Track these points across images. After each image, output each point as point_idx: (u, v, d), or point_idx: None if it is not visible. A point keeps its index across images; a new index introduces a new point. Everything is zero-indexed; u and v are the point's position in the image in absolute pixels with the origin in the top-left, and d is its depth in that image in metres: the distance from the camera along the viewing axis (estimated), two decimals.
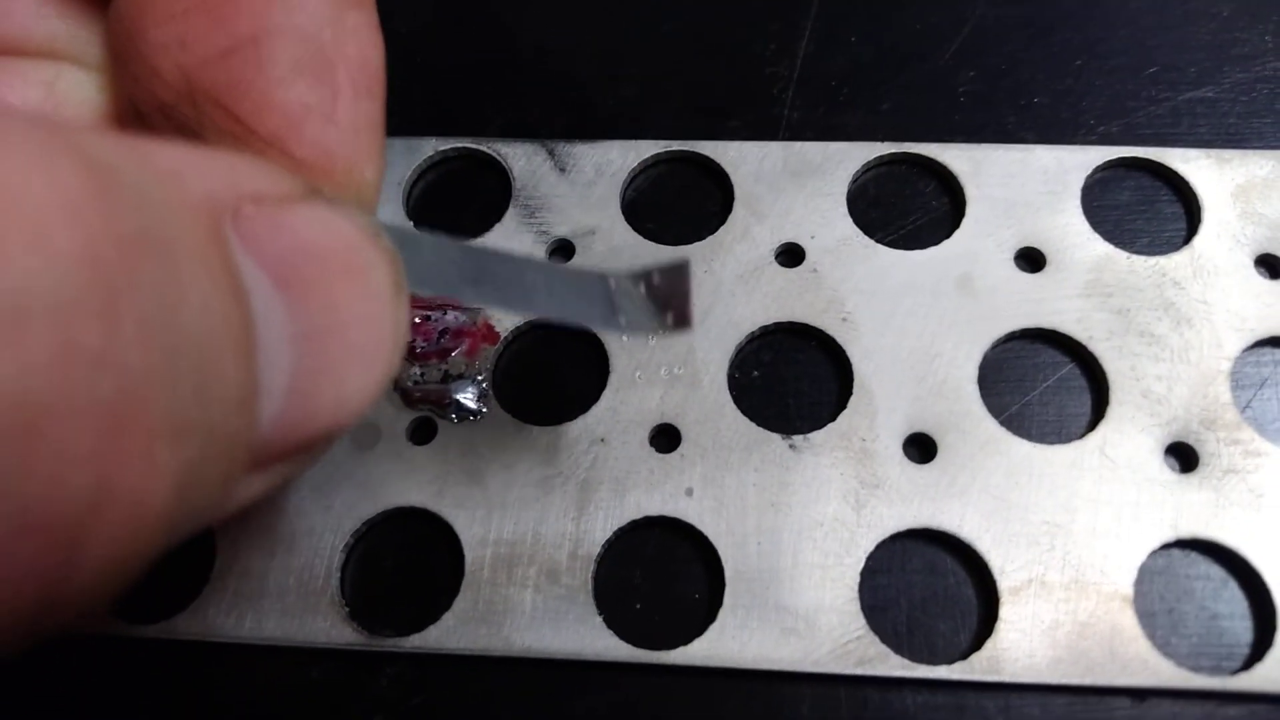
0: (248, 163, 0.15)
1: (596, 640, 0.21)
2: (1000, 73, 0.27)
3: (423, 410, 0.23)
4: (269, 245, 0.14)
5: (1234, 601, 0.21)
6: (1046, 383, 0.23)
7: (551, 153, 0.26)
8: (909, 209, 0.25)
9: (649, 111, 0.27)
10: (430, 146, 0.26)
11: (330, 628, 0.21)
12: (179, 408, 0.12)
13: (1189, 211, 0.25)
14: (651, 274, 0.20)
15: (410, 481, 0.23)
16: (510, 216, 0.25)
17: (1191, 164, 0.25)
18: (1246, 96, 0.26)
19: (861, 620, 0.21)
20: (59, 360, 0.10)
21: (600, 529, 0.22)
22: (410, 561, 0.22)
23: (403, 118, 0.26)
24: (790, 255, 0.25)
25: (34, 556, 0.10)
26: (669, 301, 0.19)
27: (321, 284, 0.14)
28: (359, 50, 0.17)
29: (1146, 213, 0.25)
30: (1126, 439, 0.22)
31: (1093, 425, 0.23)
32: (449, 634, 0.21)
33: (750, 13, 0.28)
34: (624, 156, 0.26)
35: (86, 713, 0.22)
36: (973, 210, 0.25)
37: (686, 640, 0.21)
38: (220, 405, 0.13)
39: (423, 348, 0.24)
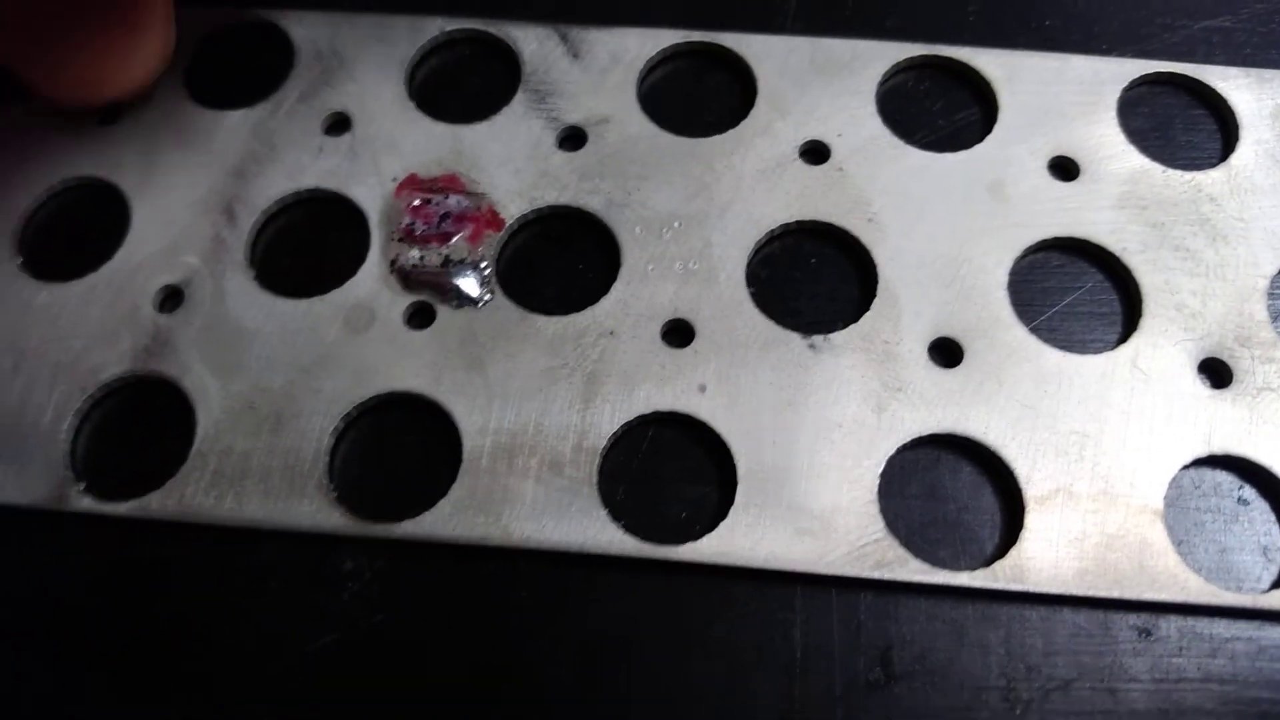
0: None
1: (601, 533, 0.20)
2: None
3: (421, 294, 0.22)
4: None
5: (1264, 520, 0.20)
6: (1077, 292, 0.22)
7: (565, 37, 0.25)
8: (938, 112, 0.24)
9: (651, 12, 0.26)
10: (436, 26, 0.25)
11: (316, 511, 0.20)
12: None
13: (1225, 129, 0.24)
14: None
15: (406, 366, 0.21)
16: (519, 102, 0.24)
17: (1230, 82, 0.24)
18: (1264, 27, 0.26)
19: (880, 523, 0.20)
20: None
21: (607, 422, 0.21)
22: (404, 448, 0.21)
23: None
24: (815, 153, 0.23)
25: None
26: None
27: None
28: None
29: (1182, 128, 0.24)
30: (1159, 352, 0.21)
31: (1124, 338, 0.22)
32: (444, 521, 0.20)
33: None
34: (641, 45, 0.25)
35: (46, 593, 0.20)
36: (1005, 117, 0.24)
37: (694, 538, 0.20)
38: None
39: (423, 230, 0.23)
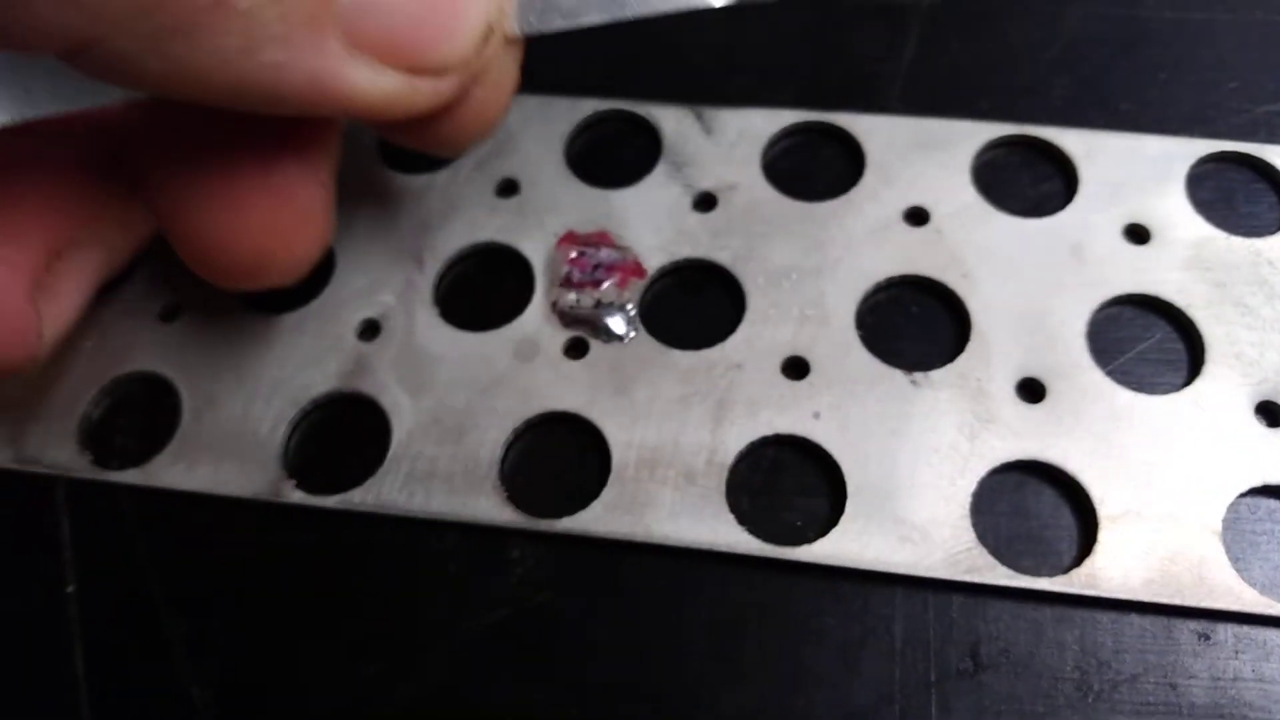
0: None
1: (728, 534, 0.23)
2: (1090, 82, 0.30)
3: (577, 330, 0.26)
4: None
5: None
6: (1147, 342, 0.25)
7: (699, 116, 0.29)
8: (1026, 184, 0.28)
9: (767, 97, 0.30)
10: (590, 106, 0.29)
11: (491, 507, 0.24)
12: None
13: None
14: None
15: (564, 390, 0.25)
16: (660, 171, 0.28)
17: None
18: None
19: (972, 535, 0.23)
20: None
21: (734, 441, 0.24)
22: (563, 458, 0.25)
23: (567, 80, 0.30)
24: (916, 217, 0.27)
25: None
26: None
27: None
28: None
29: (1244, 200, 0.27)
30: (1219, 395, 0.24)
31: (1188, 381, 0.25)
32: (597, 519, 0.24)
33: (861, 17, 0.31)
34: (765, 122, 0.29)
35: (266, 572, 0.24)
36: (1085, 189, 0.27)
37: (809, 542, 0.23)
38: None
39: (579, 278, 0.27)
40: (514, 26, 0.20)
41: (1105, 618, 0.23)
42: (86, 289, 0.23)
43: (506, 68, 0.21)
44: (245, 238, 0.20)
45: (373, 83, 0.18)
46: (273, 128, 0.20)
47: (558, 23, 0.21)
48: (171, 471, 0.25)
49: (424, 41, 0.18)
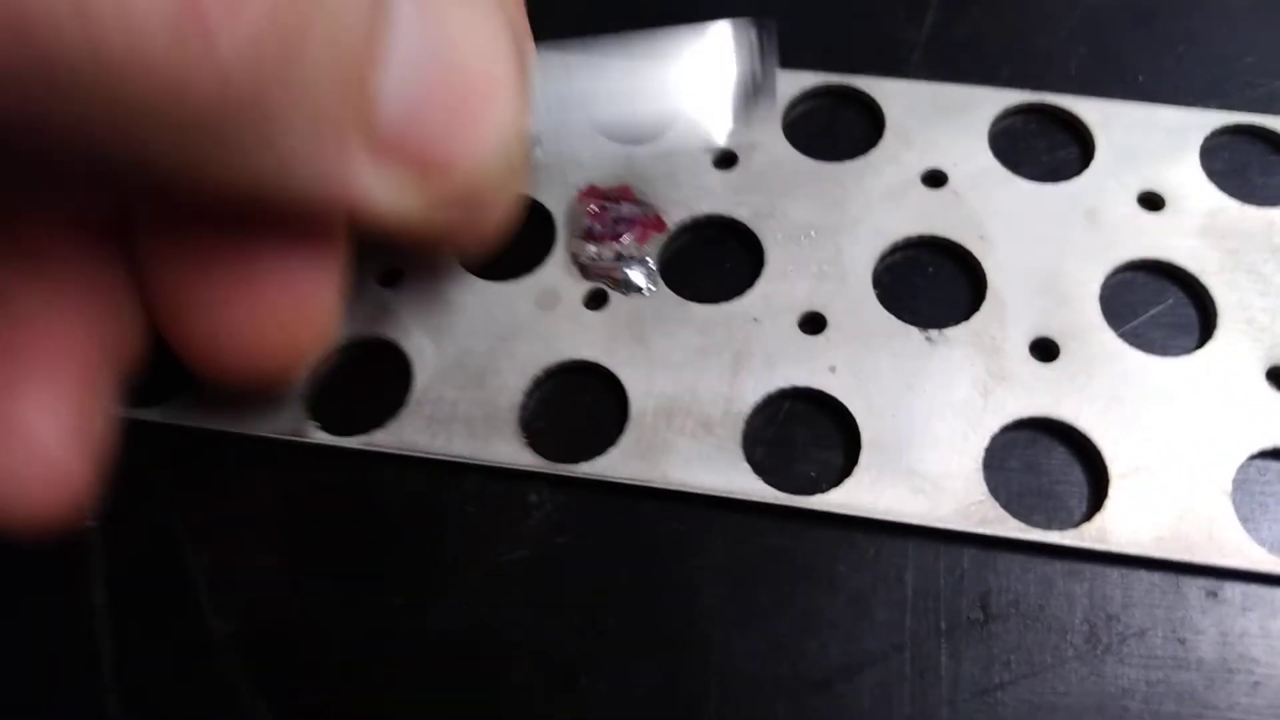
0: None
1: (744, 482, 0.24)
2: (1108, 53, 0.30)
3: (597, 282, 0.26)
4: None
5: None
6: (1160, 306, 0.26)
7: None
8: (1043, 150, 0.28)
9: (791, 61, 0.30)
10: None
11: (511, 451, 0.24)
12: None
13: None
14: (750, 30, 0.22)
15: (584, 339, 0.26)
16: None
17: None
18: None
19: (984, 488, 0.23)
20: None
21: (750, 392, 0.25)
22: (582, 405, 0.25)
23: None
24: (934, 179, 0.27)
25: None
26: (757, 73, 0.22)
27: (459, 30, 0.17)
28: None
29: (1258, 171, 0.28)
30: (1231, 359, 0.25)
31: (1200, 345, 0.25)
32: (614, 465, 0.24)
33: None
34: (786, 84, 0.29)
35: (289, 510, 0.25)
36: (1100, 156, 0.27)
37: (823, 492, 0.24)
38: (348, 23, 0.15)
39: (600, 231, 0.27)
40: (536, 153, 0.20)
41: (1114, 573, 0.23)
42: (114, 403, 0.20)
43: (516, 169, 0.20)
44: (251, 335, 0.19)
45: (389, 191, 0.17)
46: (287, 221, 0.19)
47: (575, 131, 0.22)
48: (193, 411, 0.25)
49: (446, 156, 0.18)
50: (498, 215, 0.21)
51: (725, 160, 0.28)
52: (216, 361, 0.20)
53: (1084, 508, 0.24)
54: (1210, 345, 0.25)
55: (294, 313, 0.19)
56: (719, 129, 0.23)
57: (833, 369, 0.25)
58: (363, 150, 0.17)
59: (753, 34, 0.23)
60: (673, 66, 0.22)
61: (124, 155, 0.15)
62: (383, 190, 0.17)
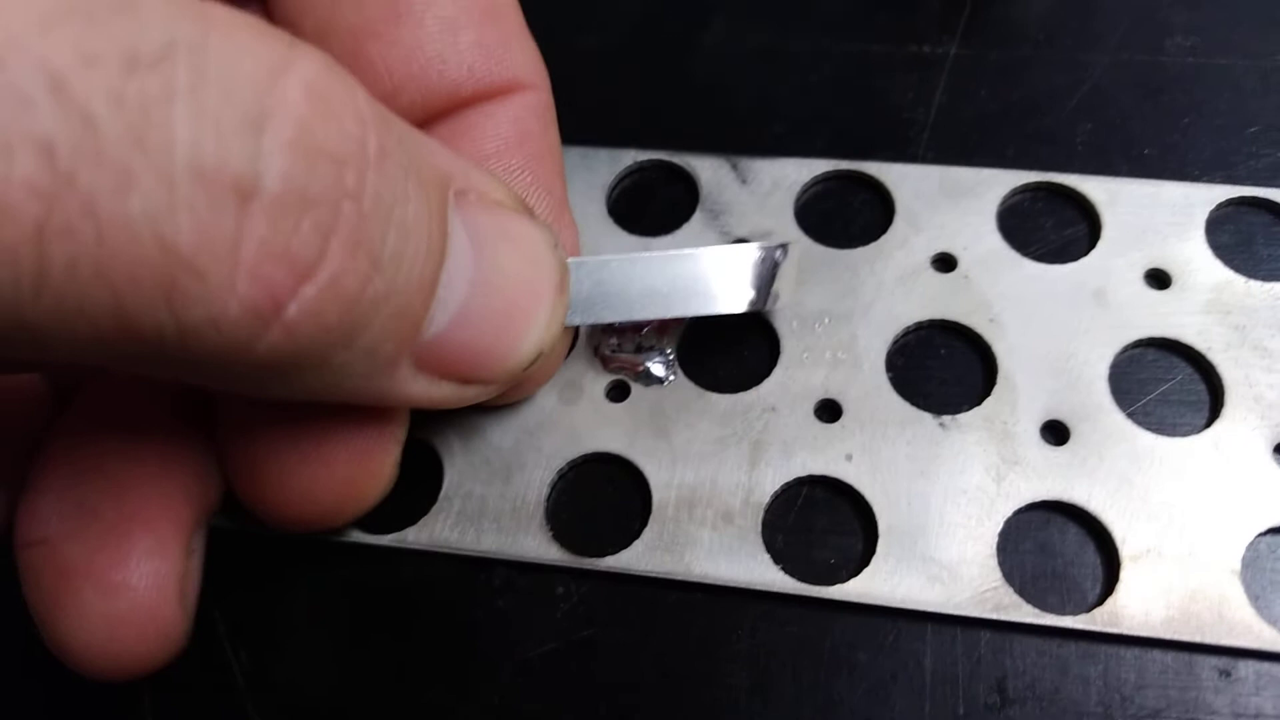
0: (482, 170, 0.20)
1: (764, 573, 0.25)
2: (1114, 127, 0.31)
3: (618, 374, 0.27)
4: (476, 219, 0.19)
5: None
6: (1168, 384, 0.26)
7: (734, 166, 0.30)
8: (1050, 229, 0.29)
9: (801, 146, 0.31)
10: (630, 157, 0.31)
11: (538, 546, 0.25)
12: (379, 249, 0.16)
13: None
14: (775, 250, 0.25)
15: (607, 432, 0.27)
16: (697, 218, 0.29)
17: None
18: None
19: (998, 574, 0.24)
20: (324, 165, 0.15)
21: (769, 482, 0.26)
22: (605, 498, 0.26)
23: (608, 130, 0.31)
24: (944, 263, 0.28)
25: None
26: (779, 277, 0.25)
27: (505, 258, 0.20)
28: None
29: (1264, 244, 0.28)
30: (1239, 437, 0.25)
31: (1209, 423, 0.26)
32: (638, 558, 0.25)
33: (892, 66, 0.32)
34: (798, 172, 0.30)
35: (325, 607, 0.26)
36: (1107, 234, 0.28)
37: (843, 581, 0.24)
38: (406, 277, 0.17)
39: (620, 323, 0.28)
40: (570, 319, 0.23)
41: (1129, 654, 0.24)
42: (201, 554, 0.23)
43: (556, 347, 0.23)
44: (317, 493, 0.21)
45: (429, 391, 0.20)
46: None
47: (608, 316, 0.24)
48: (233, 512, 0.26)
49: (486, 367, 0.20)
50: (535, 385, 0.25)
51: None
52: (284, 515, 0.22)
53: (1097, 589, 0.24)
54: (1218, 423, 0.25)
55: (356, 470, 0.22)
56: (740, 302, 0.25)
57: (849, 457, 0.26)
58: (410, 368, 0.19)
59: (775, 253, 0.25)
60: (698, 272, 0.24)
61: (195, 382, 0.17)
62: (427, 392, 0.20)
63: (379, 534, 0.26)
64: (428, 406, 0.20)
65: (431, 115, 0.23)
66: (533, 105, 0.24)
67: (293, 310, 0.15)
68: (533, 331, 0.20)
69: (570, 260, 0.22)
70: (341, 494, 0.22)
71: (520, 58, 0.23)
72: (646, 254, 0.24)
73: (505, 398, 0.24)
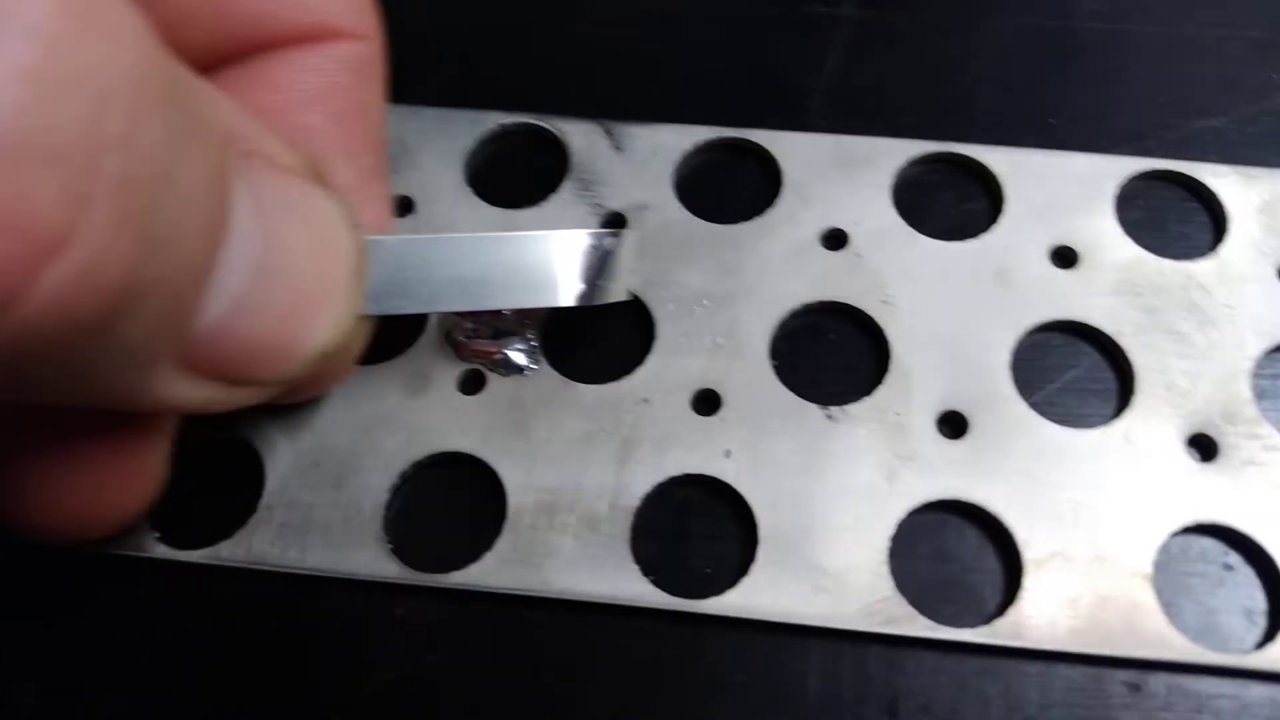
0: (271, 132, 0.17)
1: (632, 586, 0.22)
2: (1020, 95, 0.29)
3: (473, 363, 0.24)
4: (263, 190, 0.16)
5: (1248, 585, 0.22)
6: (1075, 372, 0.24)
7: (609, 132, 0.27)
8: (948, 205, 0.26)
9: (687, 112, 0.28)
10: (493, 120, 0.28)
11: (373, 561, 0.22)
12: (151, 226, 0.13)
13: (1216, 223, 0.26)
14: (606, 237, 0.22)
15: (458, 429, 0.23)
16: (566, 189, 0.27)
17: (1220, 179, 0.26)
18: (1253, 127, 0.28)
19: (890, 583, 0.22)
20: (79, 101, 0.12)
21: (640, 483, 0.23)
22: (454, 505, 0.23)
23: (467, 91, 0.28)
24: (834, 239, 0.26)
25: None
26: (609, 268, 0.22)
27: (294, 238, 0.17)
28: None
29: (1174, 222, 0.26)
30: (1150, 428, 0.23)
31: (1118, 413, 0.23)
32: (490, 572, 0.22)
33: (786, 29, 0.30)
34: (678, 139, 0.27)
35: (125, 633, 0.22)
36: (1010, 209, 0.26)
37: (718, 593, 0.22)
38: (181, 260, 0.14)
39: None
40: (364, 308, 0.19)
41: (1032, 668, 0.21)
42: None
43: (352, 341, 0.20)
44: (69, 502, 0.18)
45: (189, 394, 0.16)
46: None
47: (409, 307, 0.21)
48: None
49: (262, 367, 0.17)
50: (326, 384, 0.22)
51: (613, 223, 0.26)
52: (27, 524, 0.19)
53: (998, 598, 0.22)
54: (1128, 414, 0.23)
55: (110, 472, 0.19)
56: (564, 295, 0.22)
57: (728, 453, 0.23)
58: (170, 368, 0.16)
59: (606, 241, 0.22)
60: (517, 260, 0.21)
61: None
62: (187, 396, 0.16)
63: (188, 549, 0.22)
64: (185, 411, 0.17)
65: (220, 58, 0.19)
66: (347, 57, 0.20)
67: (31, 298, 0.12)
68: (320, 326, 0.17)
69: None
70: (93, 500, 0.18)
71: (340, 1, 0.20)
72: (457, 235, 0.21)
73: (288, 398, 0.20)
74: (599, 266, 0.22)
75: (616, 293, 0.23)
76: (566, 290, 0.22)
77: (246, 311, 0.16)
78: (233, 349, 0.16)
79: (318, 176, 0.18)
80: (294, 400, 0.22)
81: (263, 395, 0.18)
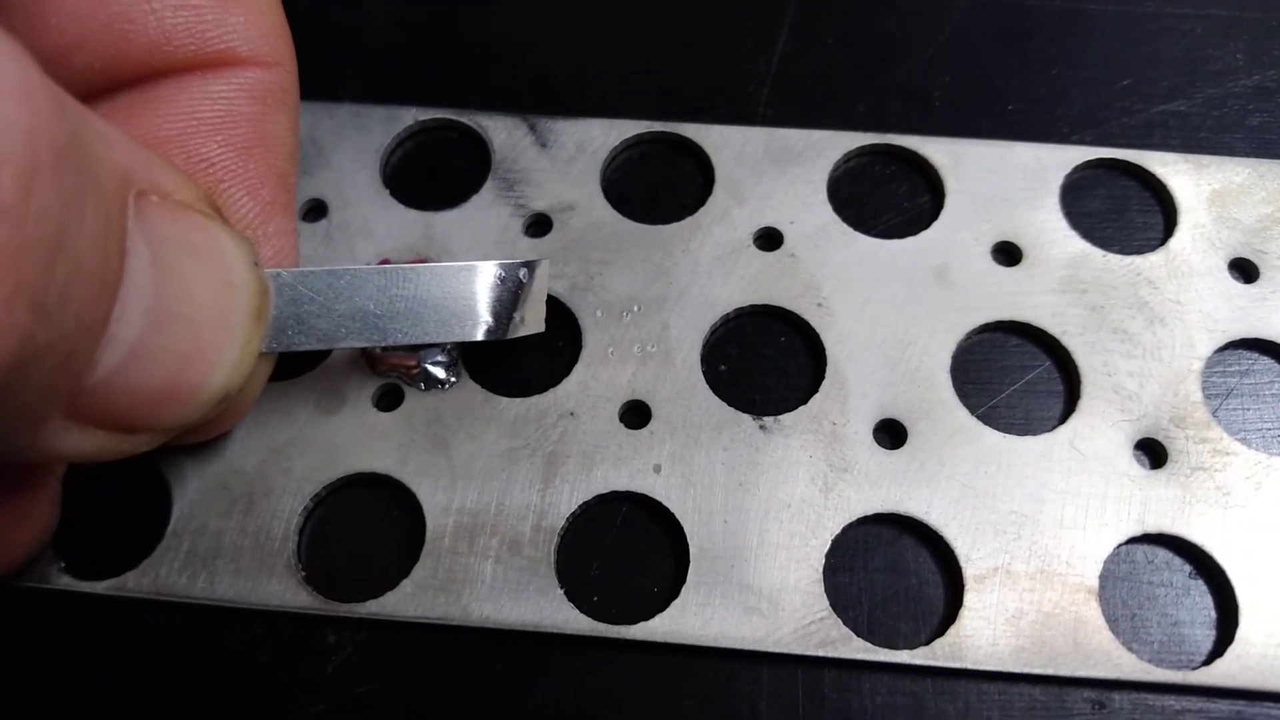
0: (166, 164, 0.16)
1: (557, 613, 0.21)
2: (975, 78, 0.27)
3: (390, 377, 0.23)
4: (159, 230, 0.15)
5: (1198, 597, 0.21)
6: (1018, 375, 0.23)
7: (533, 127, 0.26)
8: (888, 200, 0.25)
9: (625, 105, 0.27)
10: (410, 116, 0.26)
11: (285, 591, 0.21)
12: (44, 292, 0.12)
13: (1165, 214, 0.25)
14: (519, 269, 0.21)
15: (373, 447, 0.22)
16: (488, 189, 0.25)
17: (1169, 168, 0.25)
18: (1218, 111, 0.27)
19: (825, 602, 0.21)
20: None
21: (565, 502, 0.22)
22: (370, 528, 0.22)
23: (384, 86, 0.26)
24: (768, 239, 0.24)
25: None
26: (522, 301, 0.21)
27: (191, 280, 0.16)
28: None
29: (1123, 213, 0.25)
30: (1097, 433, 0.22)
31: (1063, 418, 0.23)
32: (406, 601, 0.21)
33: (728, 11, 0.29)
34: (606, 135, 0.26)
35: (28, 668, 0.21)
36: (951, 203, 0.25)
37: (648, 616, 0.21)
38: (75, 321, 0.13)
39: None
40: (264, 345, 0.18)
41: (992, 687, 0.21)
42: None
43: (252, 381, 0.19)
44: None
45: (80, 445, 0.16)
46: None
47: (308, 344, 0.19)
48: None
49: (156, 416, 0.16)
50: (223, 425, 0.21)
51: (537, 225, 0.25)
52: None
53: (939, 613, 0.21)
54: (1074, 418, 0.22)
55: (8, 515, 0.18)
56: (473, 330, 0.21)
57: (658, 468, 0.22)
58: (63, 421, 0.15)
59: (519, 273, 0.21)
60: (422, 293, 0.20)
61: None
62: (78, 446, 0.16)
63: (92, 580, 0.21)
64: (76, 460, 0.16)
65: (117, 82, 0.18)
66: (252, 85, 0.19)
67: None
68: (218, 371, 0.16)
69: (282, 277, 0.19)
70: None
71: (246, 27, 0.19)
72: (358, 268, 0.20)
73: (185, 439, 0.19)
74: (511, 300, 0.21)
75: (530, 326, 0.22)
76: (475, 325, 0.21)
77: (141, 361, 0.15)
78: (126, 399, 0.15)
79: (216, 211, 0.17)
80: (192, 441, 0.21)
81: (157, 441, 0.17)
